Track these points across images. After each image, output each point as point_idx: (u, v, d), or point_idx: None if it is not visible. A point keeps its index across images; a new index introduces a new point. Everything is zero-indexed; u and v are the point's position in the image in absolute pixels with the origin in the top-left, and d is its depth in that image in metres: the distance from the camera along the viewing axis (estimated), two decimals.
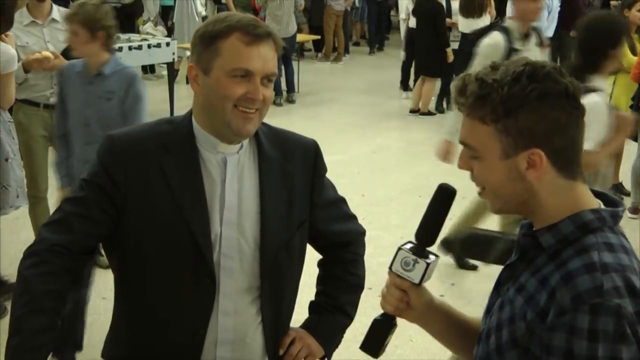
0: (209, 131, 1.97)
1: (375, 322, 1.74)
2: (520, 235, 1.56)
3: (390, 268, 1.68)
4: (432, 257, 1.67)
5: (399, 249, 1.68)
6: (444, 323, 1.75)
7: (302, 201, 2.08)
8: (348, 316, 2.22)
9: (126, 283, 2.06)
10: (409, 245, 1.68)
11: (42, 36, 4.87)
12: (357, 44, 15.81)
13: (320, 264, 2.31)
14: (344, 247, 2.23)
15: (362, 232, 2.28)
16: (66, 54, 4.94)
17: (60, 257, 1.90)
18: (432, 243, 1.67)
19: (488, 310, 1.58)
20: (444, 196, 1.67)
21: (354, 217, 2.28)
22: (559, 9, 9.50)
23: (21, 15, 4.84)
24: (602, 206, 1.51)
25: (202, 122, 1.97)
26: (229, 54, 1.87)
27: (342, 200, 2.25)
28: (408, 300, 1.69)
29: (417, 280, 1.66)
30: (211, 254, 1.95)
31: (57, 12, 4.93)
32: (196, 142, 1.97)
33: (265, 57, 1.89)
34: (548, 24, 9.25)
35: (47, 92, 4.91)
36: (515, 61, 1.50)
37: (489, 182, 1.52)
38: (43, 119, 4.93)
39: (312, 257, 2.24)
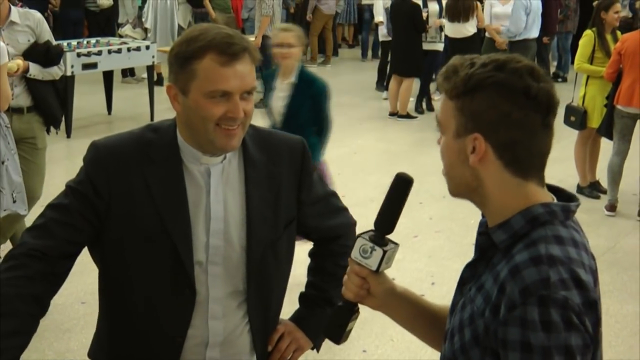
0: (192, 145, 1.97)
1: (337, 309, 1.76)
2: (477, 234, 1.58)
3: (350, 255, 1.70)
4: (390, 245, 1.69)
5: (358, 236, 1.70)
6: (408, 311, 1.76)
7: (289, 201, 2.09)
8: None
9: (107, 289, 2.08)
10: (368, 234, 1.70)
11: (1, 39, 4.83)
12: (339, 46, 15.83)
13: (310, 254, 2.34)
14: (334, 240, 2.25)
15: (352, 224, 2.28)
16: (28, 53, 4.93)
17: (38, 261, 1.90)
18: (390, 231, 1.69)
19: (452, 310, 1.60)
20: (402, 185, 1.68)
21: (344, 210, 2.29)
22: (540, 10, 9.53)
23: None
24: (555, 201, 1.52)
25: (186, 136, 1.98)
26: (204, 76, 1.86)
27: (332, 195, 2.26)
28: (368, 287, 1.71)
29: (374, 267, 1.68)
30: (192, 264, 1.96)
31: (17, 13, 4.90)
32: (180, 154, 1.98)
33: (242, 74, 1.88)
34: (530, 25, 9.29)
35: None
36: (508, 53, 1.53)
37: (444, 160, 1.56)
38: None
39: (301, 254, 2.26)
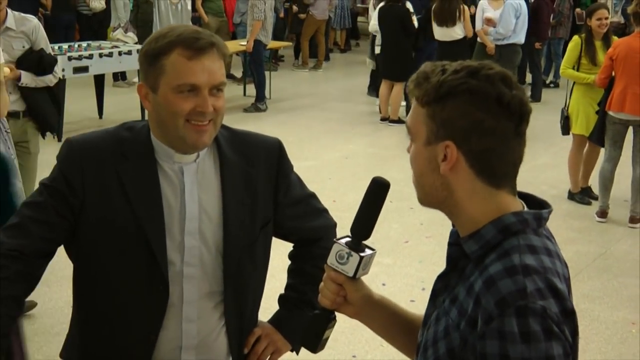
0: (165, 143, 1.98)
1: (313, 317, 1.73)
2: (448, 244, 1.56)
3: (326, 262, 1.68)
4: (367, 250, 1.67)
5: (334, 242, 1.68)
6: (385, 319, 1.74)
7: (266, 202, 2.09)
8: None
9: (81, 286, 2.08)
10: (344, 240, 1.68)
11: None
12: (330, 50, 15.84)
13: (290, 256, 2.32)
14: (314, 242, 2.23)
15: (332, 226, 2.27)
16: (21, 61, 4.91)
17: (15, 262, 1.90)
18: (367, 237, 1.67)
19: (425, 322, 1.56)
20: (378, 190, 1.66)
21: (324, 211, 2.28)
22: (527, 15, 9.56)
23: None
24: (526, 209, 1.50)
25: (158, 135, 1.98)
26: (172, 70, 1.88)
27: (312, 196, 2.25)
28: (345, 294, 1.69)
29: (351, 274, 1.66)
30: (165, 263, 1.95)
31: (12, 19, 4.87)
32: (154, 152, 1.98)
33: (210, 69, 1.89)
34: (518, 30, 9.30)
35: None
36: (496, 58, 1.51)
37: (414, 168, 1.53)
38: None
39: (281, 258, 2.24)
